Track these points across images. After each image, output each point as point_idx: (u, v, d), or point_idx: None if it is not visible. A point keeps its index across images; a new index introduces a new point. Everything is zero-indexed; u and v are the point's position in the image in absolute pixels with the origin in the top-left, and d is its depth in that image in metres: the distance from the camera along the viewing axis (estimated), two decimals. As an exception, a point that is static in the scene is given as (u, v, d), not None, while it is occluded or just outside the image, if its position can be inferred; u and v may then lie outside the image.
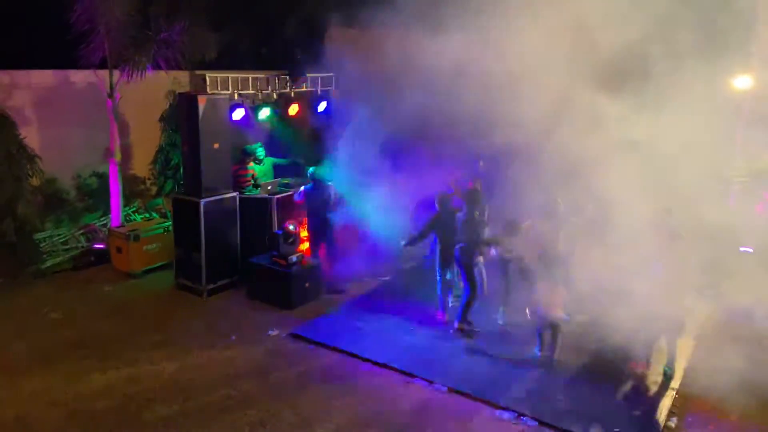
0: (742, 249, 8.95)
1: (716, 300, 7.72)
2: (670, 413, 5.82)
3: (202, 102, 8.11)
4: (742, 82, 9.81)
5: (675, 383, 6.28)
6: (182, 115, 8.55)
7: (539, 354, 6.79)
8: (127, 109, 11.09)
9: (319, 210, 8.73)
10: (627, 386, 6.26)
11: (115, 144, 10.19)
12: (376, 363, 6.70)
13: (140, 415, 5.75)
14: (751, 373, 6.13)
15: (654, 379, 6.27)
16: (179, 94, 8.67)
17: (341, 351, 6.97)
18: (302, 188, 8.82)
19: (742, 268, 7.94)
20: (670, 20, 7.77)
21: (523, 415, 5.77)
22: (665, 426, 5.62)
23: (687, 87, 8.65)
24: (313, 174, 8.76)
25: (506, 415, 5.81)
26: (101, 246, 9.92)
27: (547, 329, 6.74)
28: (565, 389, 6.23)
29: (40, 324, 7.68)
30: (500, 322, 7.62)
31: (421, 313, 7.89)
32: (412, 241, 7.83)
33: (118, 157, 10.21)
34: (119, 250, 9.35)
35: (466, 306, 7.36)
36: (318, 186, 8.73)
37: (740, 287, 7.96)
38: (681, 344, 6.77)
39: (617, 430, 5.53)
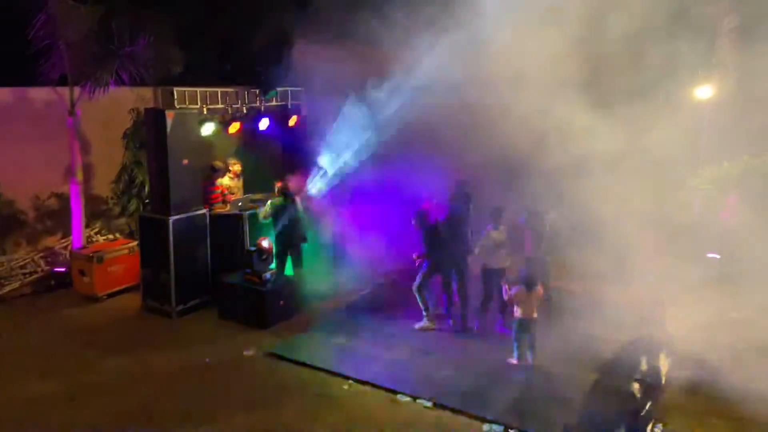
0: (709, 255, 9.15)
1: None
2: (655, 420, 5.80)
3: (170, 117, 7.88)
4: (703, 91, 10.13)
5: (660, 391, 6.29)
6: (149, 131, 8.28)
7: (516, 362, 6.74)
8: (89, 126, 10.72)
9: (288, 226, 8.54)
10: (612, 393, 6.22)
11: (77, 163, 9.81)
12: (358, 381, 6.52)
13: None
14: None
15: (639, 385, 6.23)
16: (146, 109, 8.41)
17: (322, 369, 6.76)
18: (269, 203, 8.60)
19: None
20: (635, 35, 8.00)
21: (511, 428, 5.67)
22: (652, 432, 5.61)
23: (651, 97, 8.92)
24: (280, 189, 8.59)
25: (494, 428, 5.70)
26: (62, 269, 9.48)
27: (524, 334, 6.71)
28: (549, 397, 6.16)
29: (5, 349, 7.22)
30: (476, 328, 7.66)
31: (401, 326, 7.76)
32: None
33: (79, 176, 9.84)
34: (82, 272, 8.94)
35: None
36: (286, 201, 8.57)
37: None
38: (664, 352, 6.86)
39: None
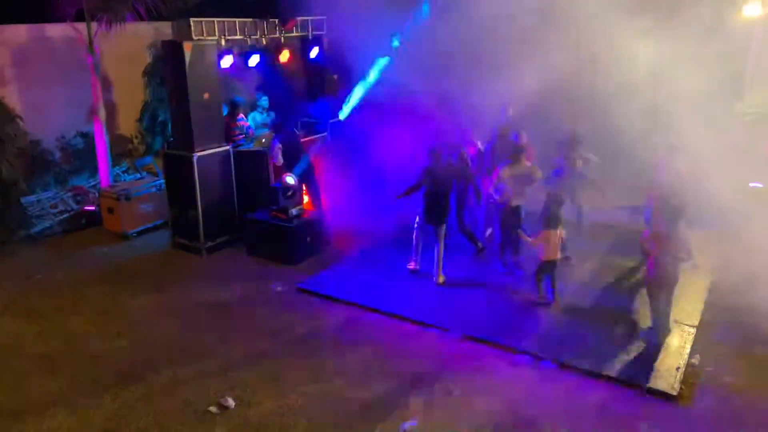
0: (751, 185, 8.74)
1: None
2: (692, 350, 5.67)
3: (187, 49, 7.62)
4: (752, 9, 9.41)
5: (693, 322, 6.13)
6: (168, 65, 8.06)
7: (538, 300, 6.61)
8: (109, 64, 10.58)
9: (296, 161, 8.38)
10: (641, 327, 6.09)
11: (99, 102, 9.72)
12: (387, 313, 6.50)
13: (144, 377, 5.54)
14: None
15: (670, 319, 6.06)
16: (163, 42, 8.15)
17: (351, 303, 6.75)
18: (274, 142, 8.36)
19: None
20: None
21: (542, 359, 5.61)
22: (689, 363, 5.48)
23: (696, 18, 8.30)
24: (280, 125, 8.39)
25: (523, 359, 5.65)
26: (92, 208, 9.56)
27: (545, 273, 6.56)
28: (578, 332, 6.06)
29: (33, 290, 7.37)
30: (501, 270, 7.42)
31: (428, 262, 7.66)
32: (406, 193, 7.41)
33: (102, 115, 9.77)
34: (111, 211, 9.00)
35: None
36: (290, 136, 8.37)
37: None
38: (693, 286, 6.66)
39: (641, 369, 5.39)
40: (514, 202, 7.06)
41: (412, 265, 7.46)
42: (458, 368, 5.56)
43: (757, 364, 5.51)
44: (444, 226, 7.15)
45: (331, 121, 9.57)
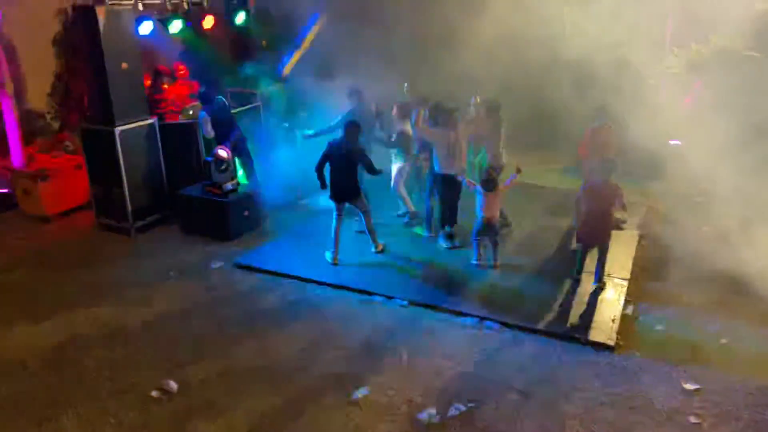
0: (671, 142, 9.15)
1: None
2: (626, 302, 5.93)
3: (101, 14, 7.06)
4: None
5: (625, 275, 6.41)
6: (81, 33, 7.46)
7: (477, 262, 6.71)
8: (13, 32, 9.65)
9: (227, 132, 8.07)
10: (576, 283, 6.31)
11: (4, 74, 8.90)
12: (331, 285, 6.42)
13: (81, 362, 5.23)
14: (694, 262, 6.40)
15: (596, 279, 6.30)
16: (74, 6, 7.53)
17: (292, 277, 6.61)
18: (201, 113, 7.98)
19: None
20: None
21: (486, 319, 5.72)
22: (623, 314, 5.73)
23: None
24: (207, 95, 8.01)
25: (468, 321, 5.73)
26: (4, 191, 8.84)
27: (484, 236, 6.65)
28: (517, 292, 6.22)
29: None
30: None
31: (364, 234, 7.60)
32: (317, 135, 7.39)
33: (9, 88, 8.97)
34: (26, 192, 8.35)
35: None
36: (219, 107, 8.06)
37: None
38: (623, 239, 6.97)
39: (578, 323, 5.59)
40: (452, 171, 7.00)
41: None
42: (406, 334, 5.57)
43: (686, 311, 5.83)
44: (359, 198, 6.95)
45: (263, 89, 9.25)
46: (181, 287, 6.56)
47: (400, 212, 7.97)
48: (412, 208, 7.83)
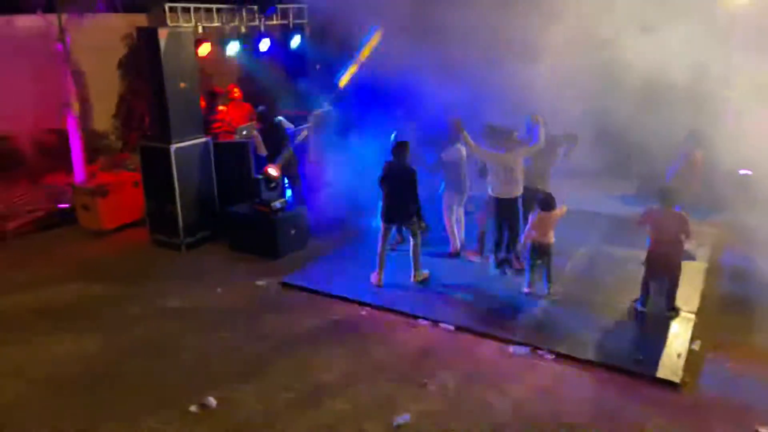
0: (741, 172, 8.61)
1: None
2: (693, 337, 5.48)
3: (163, 36, 7.30)
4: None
5: (692, 308, 5.94)
6: (143, 54, 7.73)
7: (528, 290, 6.36)
8: (82, 56, 10.15)
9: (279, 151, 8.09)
10: (640, 315, 5.89)
11: (72, 96, 9.32)
12: (376, 307, 6.24)
13: (120, 375, 5.22)
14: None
15: (666, 308, 5.87)
16: (138, 28, 7.82)
17: (338, 297, 6.48)
18: (254, 133, 8.09)
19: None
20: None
21: (539, 348, 5.39)
22: (689, 350, 5.28)
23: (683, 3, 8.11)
24: (263, 113, 8.09)
25: (521, 350, 5.41)
26: (66, 206, 9.16)
27: (538, 259, 6.29)
28: (571, 321, 5.84)
29: (5, 289, 6.99)
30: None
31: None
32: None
33: (75, 108, 9.36)
34: (86, 207, 8.62)
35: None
36: (273, 126, 8.10)
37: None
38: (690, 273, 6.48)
39: (641, 357, 5.18)
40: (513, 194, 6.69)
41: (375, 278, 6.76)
42: (452, 361, 5.30)
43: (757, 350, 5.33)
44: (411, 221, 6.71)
45: (315, 111, 9.32)
46: (226, 303, 6.53)
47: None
48: (457, 247, 7.45)
